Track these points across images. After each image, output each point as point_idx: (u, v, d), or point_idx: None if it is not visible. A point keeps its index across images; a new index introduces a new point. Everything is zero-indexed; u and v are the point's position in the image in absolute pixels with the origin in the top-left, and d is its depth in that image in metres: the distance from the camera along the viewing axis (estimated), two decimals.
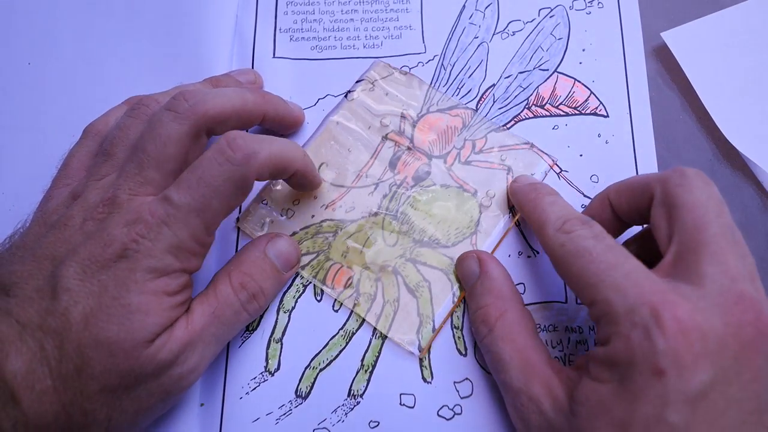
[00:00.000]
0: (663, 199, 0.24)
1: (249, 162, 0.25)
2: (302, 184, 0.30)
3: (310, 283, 0.31)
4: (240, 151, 0.25)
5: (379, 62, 0.35)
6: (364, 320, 0.30)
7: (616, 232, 0.29)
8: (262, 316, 0.30)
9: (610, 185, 0.28)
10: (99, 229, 0.25)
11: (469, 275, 0.29)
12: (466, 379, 0.29)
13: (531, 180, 0.31)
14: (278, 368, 0.29)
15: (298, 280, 0.31)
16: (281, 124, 0.32)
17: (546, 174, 0.32)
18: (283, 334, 0.30)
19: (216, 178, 0.24)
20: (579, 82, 0.34)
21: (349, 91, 0.34)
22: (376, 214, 0.32)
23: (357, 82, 0.34)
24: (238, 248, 0.31)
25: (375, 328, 0.30)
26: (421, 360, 0.29)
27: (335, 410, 0.28)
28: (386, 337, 0.29)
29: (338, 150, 0.33)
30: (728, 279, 0.21)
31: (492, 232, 0.31)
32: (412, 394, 0.29)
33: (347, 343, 0.30)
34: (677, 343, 0.20)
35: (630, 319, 0.21)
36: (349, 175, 0.32)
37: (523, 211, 0.30)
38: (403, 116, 0.34)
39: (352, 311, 0.30)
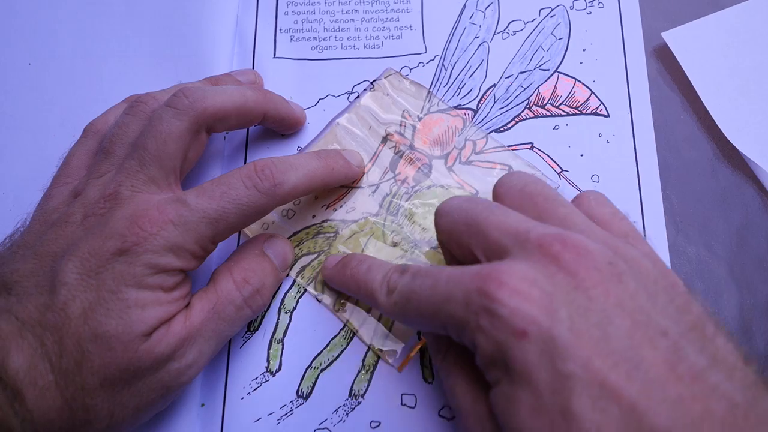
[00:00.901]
0: (444, 238, 0.25)
1: (275, 192, 0.26)
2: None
3: (311, 283, 0.30)
4: (268, 180, 0.26)
5: (390, 69, 0.35)
6: (364, 322, 0.30)
7: None
8: (263, 317, 0.30)
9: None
10: (100, 223, 0.25)
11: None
12: None
13: (335, 258, 0.30)
14: (279, 368, 0.29)
15: (299, 280, 0.31)
16: (282, 124, 0.32)
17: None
18: (285, 334, 0.30)
19: (241, 197, 0.26)
20: (579, 81, 0.34)
21: (358, 96, 0.34)
22: (376, 214, 0.32)
23: (365, 89, 0.34)
24: (239, 244, 0.31)
25: (376, 328, 0.30)
26: (422, 360, 0.29)
27: (336, 410, 0.28)
28: (387, 336, 0.29)
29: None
30: (522, 235, 0.21)
31: None
32: (414, 394, 0.29)
33: (348, 344, 0.30)
34: (516, 303, 0.19)
35: (471, 312, 0.20)
36: None
37: (349, 292, 0.29)
38: (403, 117, 0.34)
39: (352, 312, 0.30)
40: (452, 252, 0.25)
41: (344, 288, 0.29)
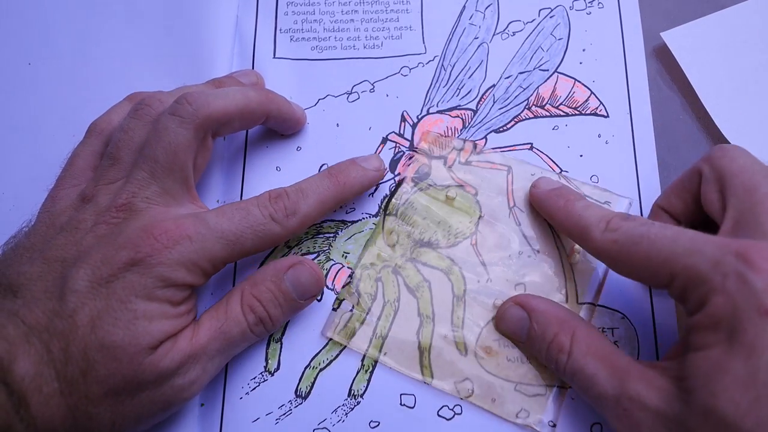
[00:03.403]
0: (710, 174, 0.25)
1: (287, 223, 0.27)
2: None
3: None
4: (281, 211, 0.27)
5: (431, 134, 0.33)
6: (365, 318, 0.30)
7: None
8: None
9: (657, 198, 0.29)
10: (113, 233, 0.25)
11: (518, 322, 0.28)
12: (466, 379, 0.29)
13: (552, 184, 0.30)
14: (278, 368, 0.29)
15: None
16: (284, 124, 0.32)
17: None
18: (283, 333, 0.30)
19: (258, 224, 0.26)
20: (579, 82, 0.34)
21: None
22: (376, 215, 0.32)
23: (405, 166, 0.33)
24: None
25: (375, 328, 0.30)
26: (421, 360, 0.29)
27: (335, 410, 0.28)
28: (386, 337, 0.29)
29: (405, 227, 0.32)
30: None
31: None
32: (413, 394, 0.29)
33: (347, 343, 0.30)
34: None
35: (719, 271, 0.20)
36: None
37: (553, 220, 0.29)
38: (403, 117, 0.34)
39: (353, 309, 0.30)
40: (704, 197, 0.25)
41: (549, 216, 0.30)
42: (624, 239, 0.24)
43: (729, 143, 0.25)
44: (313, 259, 0.31)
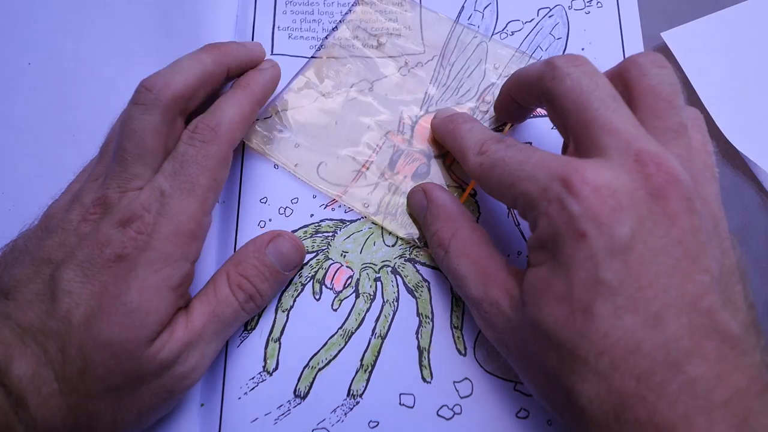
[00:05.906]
0: (544, 97, 0.25)
1: (217, 136, 0.26)
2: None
3: (309, 281, 0.30)
4: (204, 131, 0.26)
5: None
6: (364, 318, 0.30)
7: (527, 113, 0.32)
8: (260, 315, 0.30)
9: (510, 78, 0.29)
10: (93, 230, 0.25)
11: (419, 208, 0.30)
12: (466, 378, 0.29)
13: (449, 112, 0.32)
14: (277, 368, 0.29)
15: (296, 279, 0.31)
16: (246, 69, 0.31)
17: None
18: (282, 333, 0.30)
19: (195, 156, 0.26)
20: None
21: (344, 16, 0.36)
22: (375, 213, 0.32)
23: (348, 11, 0.36)
24: (237, 242, 0.31)
25: (374, 328, 0.30)
26: (420, 360, 0.29)
27: (334, 410, 0.28)
28: (385, 337, 0.29)
29: (336, 65, 0.35)
30: (623, 142, 0.22)
31: None
32: (412, 394, 0.29)
33: (346, 343, 0.29)
34: (591, 203, 0.20)
35: (545, 197, 0.22)
36: (348, 173, 0.32)
37: (445, 144, 0.31)
38: (402, 117, 0.34)
39: (351, 311, 0.30)
40: (549, 115, 0.26)
41: (442, 139, 0.31)
42: (488, 163, 0.25)
43: (558, 57, 0.25)
44: (312, 258, 0.31)
